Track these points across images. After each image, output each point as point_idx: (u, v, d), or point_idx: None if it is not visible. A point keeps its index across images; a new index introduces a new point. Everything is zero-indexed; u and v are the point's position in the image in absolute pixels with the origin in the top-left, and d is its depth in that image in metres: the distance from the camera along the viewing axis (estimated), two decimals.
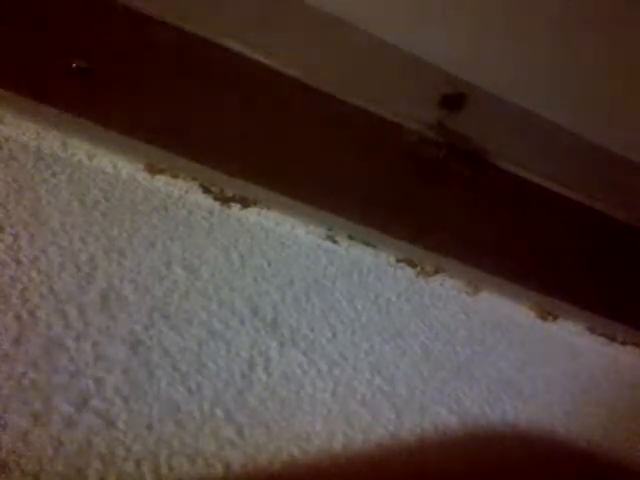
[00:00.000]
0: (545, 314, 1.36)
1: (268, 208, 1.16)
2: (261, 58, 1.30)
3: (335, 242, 1.20)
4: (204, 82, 1.27)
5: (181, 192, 1.10)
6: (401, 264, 1.25)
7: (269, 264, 1.06)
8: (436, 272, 1.28)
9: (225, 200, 1.13)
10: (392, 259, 1.25)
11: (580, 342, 1.36)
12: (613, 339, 1.40)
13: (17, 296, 0.78)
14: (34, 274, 0.82)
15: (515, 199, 1.61)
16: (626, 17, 1.34)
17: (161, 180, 1.10)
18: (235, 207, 1.13)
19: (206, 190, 1.12)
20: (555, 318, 1.36)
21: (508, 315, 1.31)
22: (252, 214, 1.14)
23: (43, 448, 0.64)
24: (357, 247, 1.22)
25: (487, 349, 1.17)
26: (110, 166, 1.07)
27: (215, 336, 0.87)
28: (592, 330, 1.39)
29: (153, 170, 1.10)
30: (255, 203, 1.15)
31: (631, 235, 1.70)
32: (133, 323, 0.82)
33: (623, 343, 1.41)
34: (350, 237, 1.22)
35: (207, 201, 1.12)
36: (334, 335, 0.99)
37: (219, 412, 0.78)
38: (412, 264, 1.27)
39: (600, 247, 1.67)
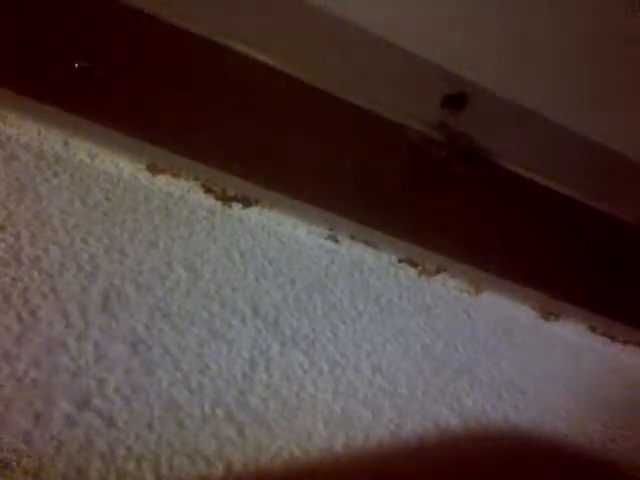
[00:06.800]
0: (547, 314, 1.35)
1: (269, 208, 1.16)
2: (261, 57, 1.30)
3: (336, 242, 1.20)
4: (205, 82, 1.27)
5: (182, 192, 1.10)
6: (402, 264, 1.25)
7: (270, 264, 1.06)
8: (438, 272, 1.28)
9: (226, 200, 1.13)
10: (394, 259, 1.25)
11: (582, 342, 1.36)
12: (615, 338, 1.40)
13: (18, 296, 0.78)
14: (35, 274, 0.82)
15: (517, 199, 1.61)
16: (627, 16, 1.34)
17: (162, 180, 1.10)
18: (236, 207, 1.13)
19: (207, 190, 1.12)
20: (557, 318, 1.36)
21: (510, 315, 1.31)
22: (253, 214, 1.14)
23: (44, 447, 0.64)
24: (358, 247, 1.22)
25: (489, 349, 1.17)
26: (112, 166, 1.07)
27: (216, 336, 0.87)
28: (594, 330, 1.39)
29: (155, 170, 1.10)
30: (256, 203, 1.15)
31: (633, 235, 1.69)
32: (134, 323, 0.83)
33: (625, 342, 1.41)
34: (351, 237, 1.22)
35: (208, 201, 1.12)
36: (335, 335, 0.99)
37: (220, 412, 0.78)
38: (413, 264, 1.26)
39: (602, 247, 1.66)
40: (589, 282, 1.54)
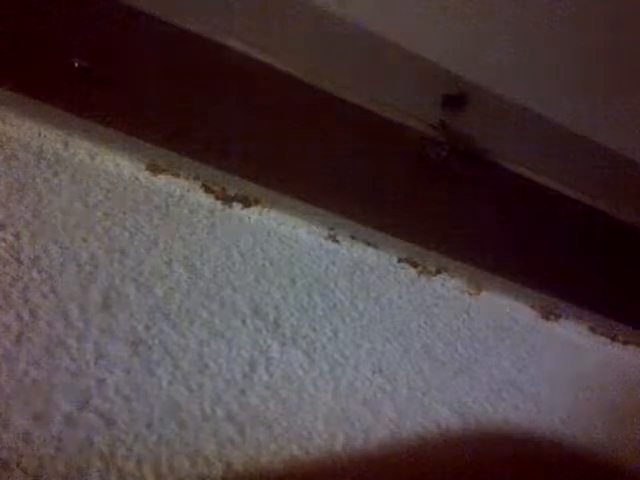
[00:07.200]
0: (547, 314, 1.35)
1: (270, 207, 1.16)
2: (262, 57, 1.30)
3: (337, 242, 1.20)
4: (205, 81, 1.27)
5: (182, 191, 1.10)
6: (403, 264, 1.25)
7: (271, 263, 1.06)
8: (438, 272, 1.28)
9: (227, 199, 1.13)
10: (394, 259, 1.25)
11: (582, 342, 1.36)
12: (615, 339, 1.40)
13: (18, 295, 0.78)
14: (35, 273, 0.82)
15: (517, 198, 1.61)
16: (627, 16, 1.34)
17: (162, 179, 1.10)
18: (237, 206, 1.13)
19: (207, 189, 1.12)
20: (557, 318, 1.36)
21: (510, 315, 1.31)
22: (254, 213, 1.14)
23: (44, 447, 0.64)
24: (359, 247, 1.22)
25: (489, 349, 1.17)
26: (112, 165, 1.07)
27: (216, 335, 0.87)
28: (594, 330, 1.39)
29: (155, 169, 1.10)
30: (257, 202, 1.15)
31: (633, 234, 1.69)
32: (134, 322, 0.82)
33: (625, 343, 1.41)
34: (352, 237, 1.22)
35: (208, 200, 1.12)
36: (335, 335, 0.99)
37: (220, 412, 0.78)
38: (414, 264, 1.26)
39: (603, 246, 1.66)
40: (590, 282, 1.54)
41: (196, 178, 1.12)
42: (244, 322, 0.92)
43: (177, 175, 1.11)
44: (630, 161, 1.59)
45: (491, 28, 1.37)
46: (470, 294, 1.29)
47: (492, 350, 1.17)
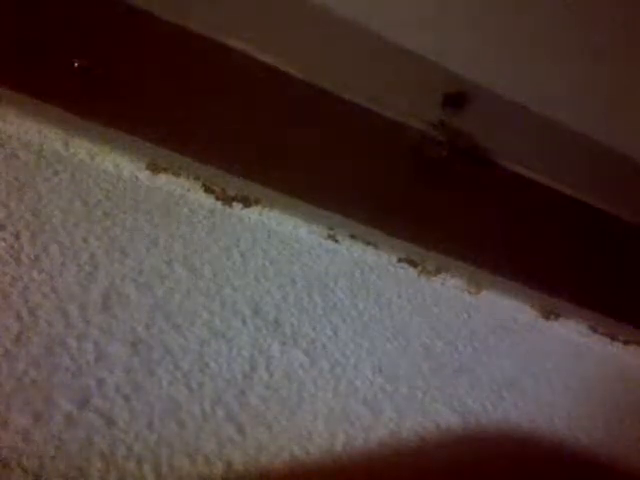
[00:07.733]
0: (547, 313, 1.36)
1: (270, 207, 1.16)
2: (262, 57, 1.30)
3: (337, 241, 1.20)
4: (206, 81, 1.27)
5: (183, 191, 1.10)
6: (403, 263, 1.25)
7: (271, 263, 1.06)
8: (438, 271, 1.28)
9: (227, 199, 1.13)
10: (394, 258, 1.25)
11: (582, 341, 1.36)
12: (615, 338, 1.40)
13: (18, 295, 0.78)
14: (35, 273, 0.82)
15: (517, 198, 1.61)
16: (627, 16, 1.34)
17: (163, 179, 1.10)
18: (237, 206, 1.13)
19: (208, 189, 1.12)
20: (557, 317, 1.36)
21: (510, 314, 1.31)
22: (254, 213, 1.14)
23: (44, 446, 0.64)
24: (359, 246, 1.22)
25: (489, 348, 1.17)
26: (112, 165, 1.07)
27: (217, 335, 0.87)
28: (594, 329, 1.39)
29: (155, 169, 1.10)
30: (257, 202, 1.15)
31: (634, 234, 1.69)
32: (134, 322, 0.82)
33: (625, 342, 1.41)
34: (352, 236, 1.22)
35: (209, 200, 1.12)
36: (336, 334, 0.99)
37: (220, 411, 0.78)
38: (414, 263, 1.26)
39: (603, 246, 1.66)
40: (589, 281, 1.54)
41: (196, 178, 1.12)
42: (244, 322, 0.92)
43: (177, 175, 1.11)
44: (630, 161, 1.59)
45: (492, 28, 1.37)
46: (470, 294, 1.29)
47: (492, 349, 1.17)
